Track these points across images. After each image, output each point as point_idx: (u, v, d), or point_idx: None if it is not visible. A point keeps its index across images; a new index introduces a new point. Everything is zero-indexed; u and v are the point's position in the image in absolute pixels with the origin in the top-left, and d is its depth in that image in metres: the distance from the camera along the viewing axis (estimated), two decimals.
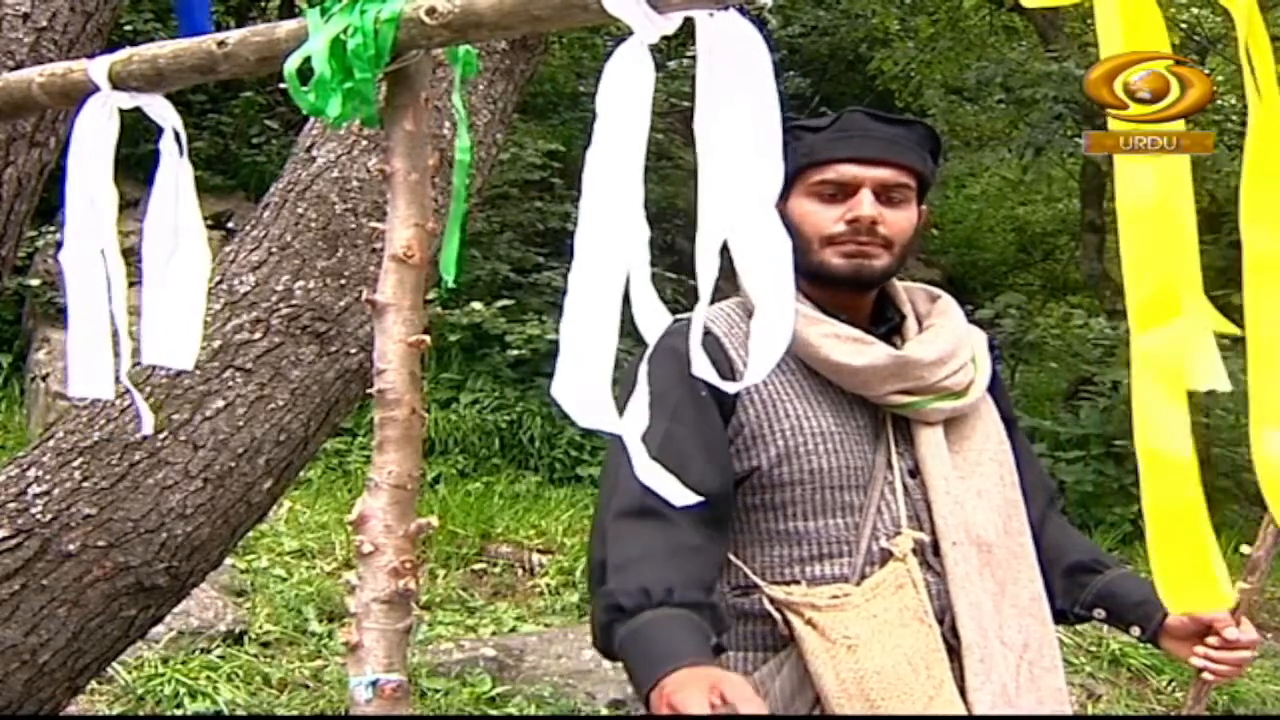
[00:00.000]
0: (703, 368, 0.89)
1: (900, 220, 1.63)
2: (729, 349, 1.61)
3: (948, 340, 1.66)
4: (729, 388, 0.92)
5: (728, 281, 0.91)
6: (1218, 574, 0.87)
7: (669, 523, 1.44)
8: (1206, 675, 1.62)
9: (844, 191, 1.62)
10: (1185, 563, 0.85)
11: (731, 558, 1.59)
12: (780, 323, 0.87)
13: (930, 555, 1.57)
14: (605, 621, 1.44)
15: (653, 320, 0.88)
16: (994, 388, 1.73)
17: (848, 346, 1.60)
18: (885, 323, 1.70)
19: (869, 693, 1.47)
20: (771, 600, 1.54)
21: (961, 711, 1.50)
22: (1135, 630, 1.67)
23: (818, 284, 1.65)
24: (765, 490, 1.58)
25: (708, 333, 1.58)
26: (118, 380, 1.19)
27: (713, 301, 0.94)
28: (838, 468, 1.57)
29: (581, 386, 0.89)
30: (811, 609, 1.51)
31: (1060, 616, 1.70)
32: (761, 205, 0.88)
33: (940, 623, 1.54)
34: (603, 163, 0.89)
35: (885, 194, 1.62)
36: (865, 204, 1.60)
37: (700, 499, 0.95)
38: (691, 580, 1.44)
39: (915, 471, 1.61)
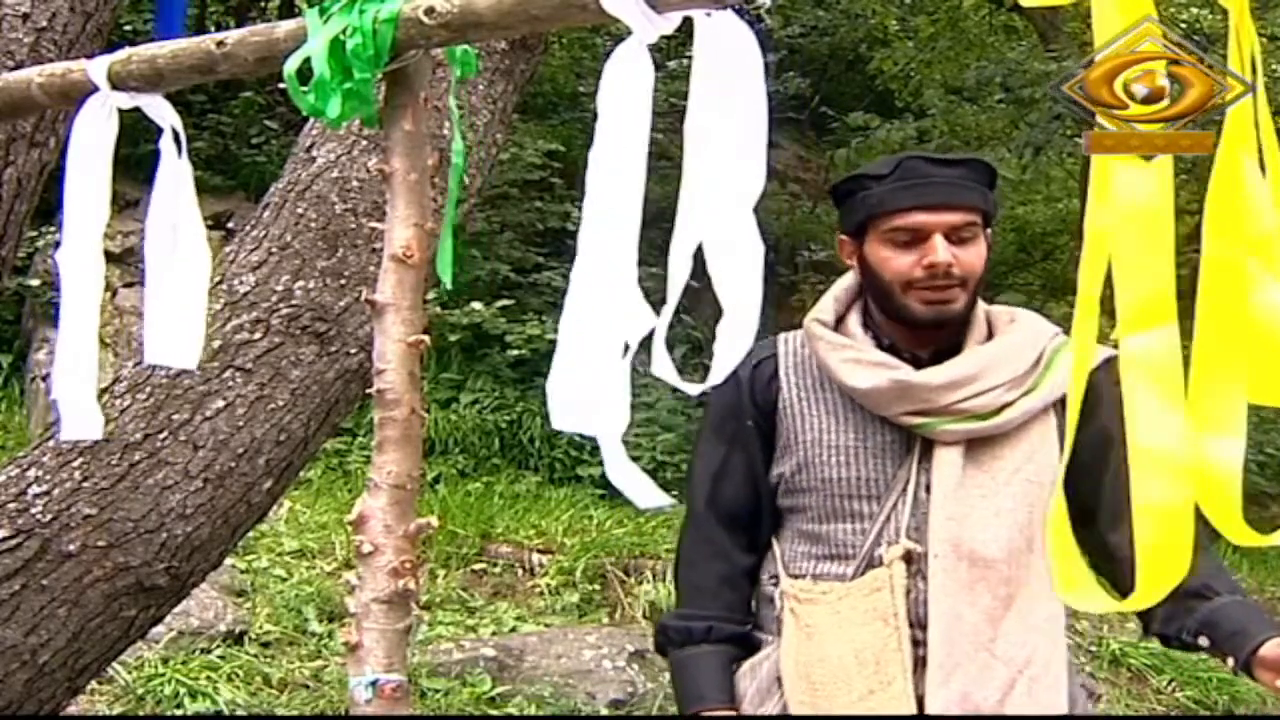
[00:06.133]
0: (663, 367, 0.92)
1: (971, 257, 1.71)
2: (781, 371, 1.77)
3: (969, 365, 1.70)
4: (688, 389, 0.94)
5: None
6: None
7: (724, 554, 1.78)
8: None
9: (917, 237, 1.69)
10: (1170, 558, 0.85)
11: (775, 546, 1.78)
12: (744, 325, 0.90)
13: (924, 565, 1.65)
14: (660, 643, 1.83)
15: (635, 322, 0.89)
16: (1092, 408, 1.69)
17: (864, 371, 1.69)
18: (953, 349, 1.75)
19: (811, 676, 1.64)
20: (780, 589, 1.73)
21: (907, 709, 1.58)
22: (1230, 661, 1.59)
23: (899, 324, 1.73)
24: (790, 494, 1.76)
25: (771, 356, 1.78)
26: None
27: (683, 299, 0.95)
28: (849, 479, 1.70)
29: (575, 386, 0.90)
30: (795, 599, 1.70)
31: (1165, 641, 1.69)
32: (740, 205, 0.89)
33: (924, 629, 1.62)
34: (604, 163, 0.89)
35: (955, 235, 1.69)
36: (940, 250, 1.67)
37: (668, 502, 1.00)
38: (735, 610, 1.79)
39: (931, 487, 1.67)
